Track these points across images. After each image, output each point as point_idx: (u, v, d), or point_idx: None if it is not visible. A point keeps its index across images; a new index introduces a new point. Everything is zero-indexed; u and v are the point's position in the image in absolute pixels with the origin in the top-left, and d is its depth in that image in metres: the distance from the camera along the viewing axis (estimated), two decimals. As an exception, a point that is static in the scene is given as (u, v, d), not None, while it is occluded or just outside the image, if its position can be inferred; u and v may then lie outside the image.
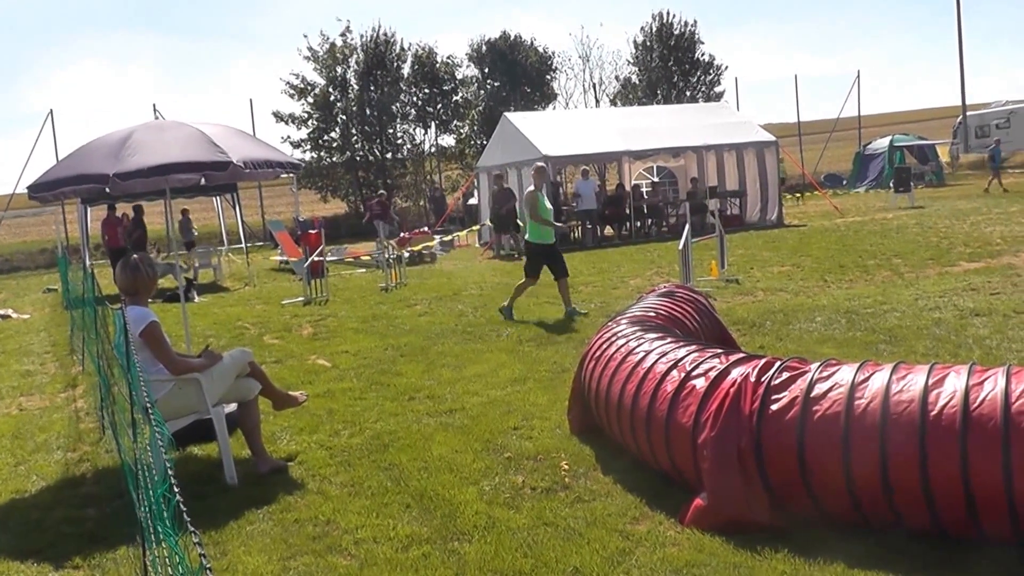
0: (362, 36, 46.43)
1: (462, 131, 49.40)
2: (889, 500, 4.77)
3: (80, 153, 7.90)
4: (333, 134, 46.36)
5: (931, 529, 4.76)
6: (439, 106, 48.37)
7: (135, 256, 7.01)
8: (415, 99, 47.93)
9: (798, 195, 37.45)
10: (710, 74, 53.01)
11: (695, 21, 62.67)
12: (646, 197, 29.74)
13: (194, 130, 7.81)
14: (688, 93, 51.85)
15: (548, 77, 52.26)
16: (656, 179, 32.56)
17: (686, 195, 28.81)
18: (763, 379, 5.27)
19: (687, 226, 14.88)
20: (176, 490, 2.94)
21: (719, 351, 5.98)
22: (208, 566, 2.33)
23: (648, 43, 53.14)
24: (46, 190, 7.73)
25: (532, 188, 12.51)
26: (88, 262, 23.32)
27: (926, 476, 4.61)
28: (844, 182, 44.97)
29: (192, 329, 12.24)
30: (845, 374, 5.10)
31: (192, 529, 2.61)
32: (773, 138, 29.44)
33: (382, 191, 38.79)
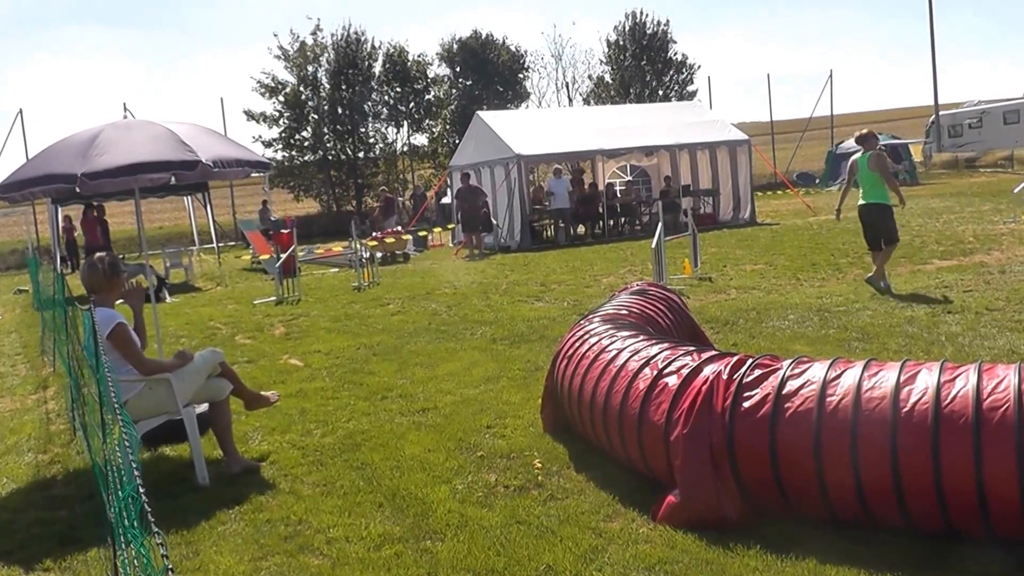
0: (333, 35, 46.39)
1: (434, 130, 49.38)
2: (861, 496, 4.78)
3: (48, 153, 7.84)
4: (305, 133, 46.25)
5: (903, 525, 4.78)
6: (411, 105, 48.33)
7: (98, 254, 6.96)
8: (387, 98, 47.88)
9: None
10: (683, 73, 53.24)
11: (668, 20, 62.94)
12: (619, 196, 29.75)
13: (163, 129, 7.76)
14: (661, 92, 52.02)
15: (520, 76, 52.34)
16: (630, 177, 32.60)
17: (659, 194, 28.87)
18: (735, 376, 5.28)
19: (660, 224, 14.91)
20: (142, 490, 2.90)
21: (691, 349, 5.98)
22: (170, 567, 2.31)
23: (621, 42, 53.30)
24: (14, 190, 7.67)
25: (879, 151, 12.89)
26: (59, 264, 23.15)
27: (898, 472, 4.62)
28: (817, 181, 45.18)
29: (164, 329, 12.16)
30: (817, 371, 5.11)
31: (156, 529, 2.58)
32: (746, 137, 29.53)
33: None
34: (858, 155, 12.95)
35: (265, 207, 32.89)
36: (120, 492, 3.76)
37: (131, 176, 7.36)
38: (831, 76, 52.77)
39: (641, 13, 53.09)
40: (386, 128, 48.24)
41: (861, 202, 13.03)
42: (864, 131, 13.21)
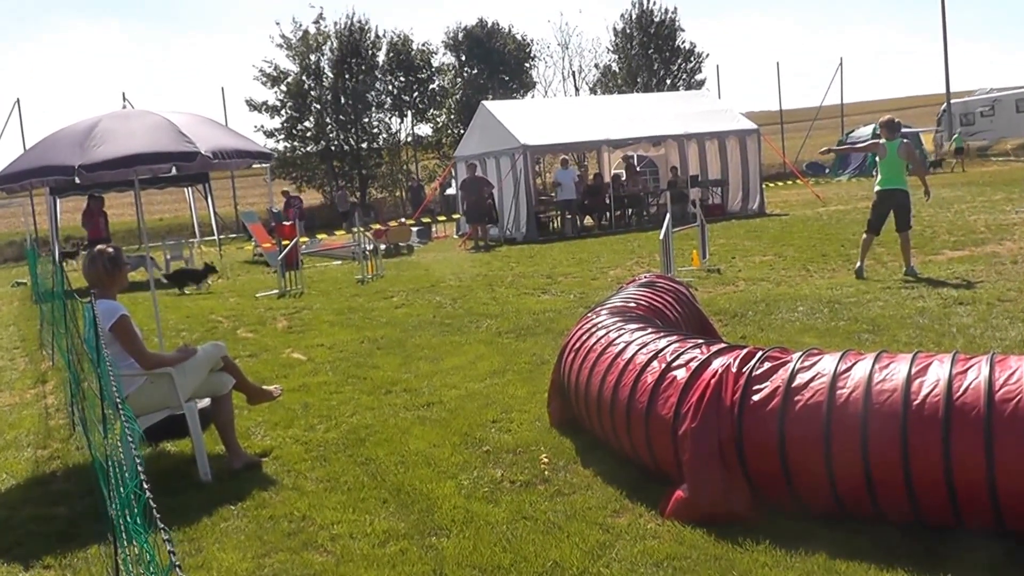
0: (336, 23, 46.37)
1: (439, 120, 49.32)
2: (871, 491, 4.72)
3: (46, 143, 7.76)
4: (307, 123, 46.24)
5: (913, 519, 4.71)
6: (415, 94, 48.33)
7: (99, 247, 6.88)
8: (391, 87, 47.86)
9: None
10: (691, 62, 53.16)
11: (675, 8, 62.91)
12: (623, 181, 29.50)
13: (161, 119, 7.67)
14: (669, 81, 51.95)
15: (527, 65, 52.26)
16: (636, 168, 32.44)
17: (667, 184, 28.75)
18: (744, 369, 5.21)
19: (668, 216, 14.83)
20: (147, 487, 2.84)
21: (700, 341, 5.92)
22: (178, 564, 2.24)
23: (628, 30, 53.24)
24: (11, 181, 7.60)
25: (906, 141, 13.38)
26: (57, 254, 23.12)
27: (908, 466, 4.56)
28: (827, 171, 45.03)
29: (164, 323, 12.11)
30: (827, 363, 5.05)
31: (162, 527, 2.52)
32: (755, 126, 29.45)
33: (285, 190, 37.01)
34: (883, 141, 13.26)
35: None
36: (122, 488, 3.70)
37: (129, 168, 7.29)
38: (841, 64, 52.71)
39: (648, 1, 52.99)
40: (390, 118, 48.31)
41: (881, 187, 13.25)
42: (888, 118, 13.56)
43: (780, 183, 39.05)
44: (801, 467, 4.91)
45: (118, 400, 3.97)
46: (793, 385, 5.00)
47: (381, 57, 47.52)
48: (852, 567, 4.47)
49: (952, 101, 50.69)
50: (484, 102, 30.42)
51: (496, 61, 49.99)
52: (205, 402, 6.96)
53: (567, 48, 72.09)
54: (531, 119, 27.83)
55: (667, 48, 52.73)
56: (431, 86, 49.10)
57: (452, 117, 48.84)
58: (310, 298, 16.06)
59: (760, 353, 5.35)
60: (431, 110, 49.22)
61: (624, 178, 28.54)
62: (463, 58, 50.50)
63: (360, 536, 5.35)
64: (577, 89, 55.56)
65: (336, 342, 11.49)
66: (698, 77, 53.12)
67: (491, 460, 6.51)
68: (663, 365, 5.68)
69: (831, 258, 15.55)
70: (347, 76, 45.96)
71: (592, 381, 6.29)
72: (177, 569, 2.23)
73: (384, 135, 47.90)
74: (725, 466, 5.11)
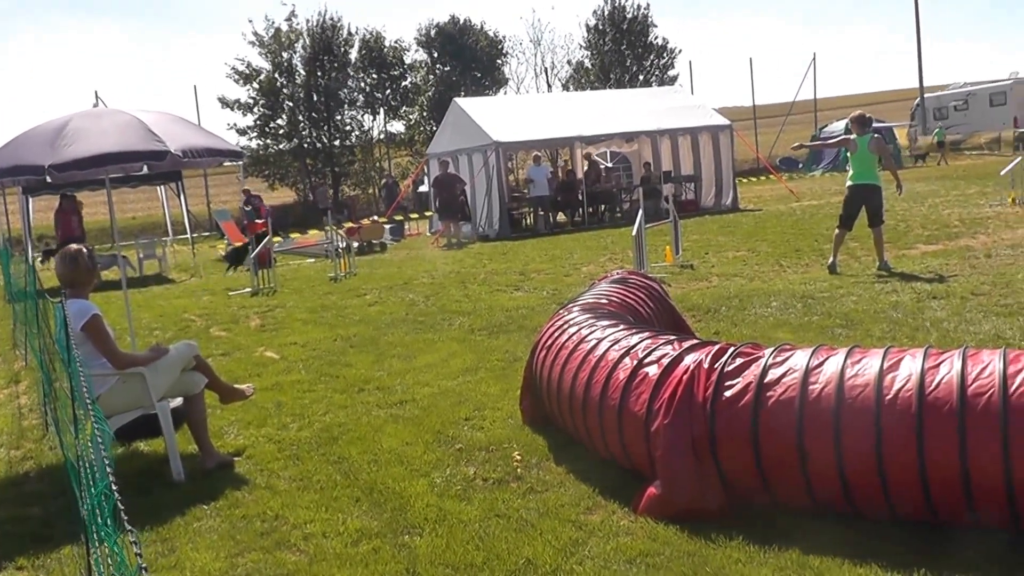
0: (308, 21, 46.33)
1: (411, 117, 49.28)
2: (844, 485, 4.73)
3: (16, 143, 7.71)
4: (280, 121, 46.09)
5: (887, 516, 4.73)
6: (388, 92, 48.23)
7: (74, 246, 6.84)
8: (363, 85, 47.75)
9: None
10: (663, 58, 53.32)
11: (648, 4, 63.00)
12: (589, 172, 29.38)
13: (131, 118, 7.63)
14: (641, 77, 52.07)
15: (499, 62, 52.31)
16: (609, 164, 32.47)
17: (640, 180, 28.78)
18: (716, 365, 5.21)
19: (640, 212, 14.85)
20: (115, 487, 2.82)
21: (672, 338, 5.92)
22: (143, 565, 2.22)
23: (600, 27, 53.34)
24: (-18, 180, 7.56)
25: (877, 136, 13.47)
26: (32, 254, 22.91)
27: (881, 461, 4.57)
28: (800, 166, 45.25)
29: (136, 322, 12.03)
30: (799, 359, 5.05)
31: (129, 528, 2.50)
32: (728, 122, 29.53)
33: (246, 188, 35.39)
34: (854, 136, 13.29)
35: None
36: (93, 489, 3.68)
37: (100, 167, 7.26)
38: (814, 59, 52.88)
39: (621, -4, 53.08)
40: (362, 115, 48.24)
41: (853, 182, 13.31)
42: (859, 113, 13.62)
43: (753, 178, 39.24)
44: (774, 463, 4.91)
45: (88, 400, 3.95)
46: (765, 381, 5.01)
47: (353, 54, 47.48)
48: (826, 563, 4.47)
49: (926, 95, 51.04)
50: (456, 99, 30.39)
51: (468, 58, 49.98)
52: (177, 401, 6.92)
53: (539, 45, 72.30)
54: (503, 116, 27.81)
55: (640, 44, 52.87)
56: (403, 83, 49.06)
57: (424, 114, 48.82)
58: (283, 296, 16.00)
59: (732, 349, 5.35)
60: (403, 107, 49.18)
61: (592, 178, 28.51)
62: (435, 55, 50.47)
63: (333, 535, 5.33)
64: (549, 86, 55.74)
65: (309, 340, 11.45)
66: (671, 73, 53.32)
67: (464, 458, 6.50)
68: (635, 362, 5.68)
69: (804, 253, 15.61)
70: (319, 73, 45.87)
71: (564, 378, 6.28)
72: (143, 571, 2.22)
73: (357, 132, 47.84)
74: (698, 462, 5.11)
